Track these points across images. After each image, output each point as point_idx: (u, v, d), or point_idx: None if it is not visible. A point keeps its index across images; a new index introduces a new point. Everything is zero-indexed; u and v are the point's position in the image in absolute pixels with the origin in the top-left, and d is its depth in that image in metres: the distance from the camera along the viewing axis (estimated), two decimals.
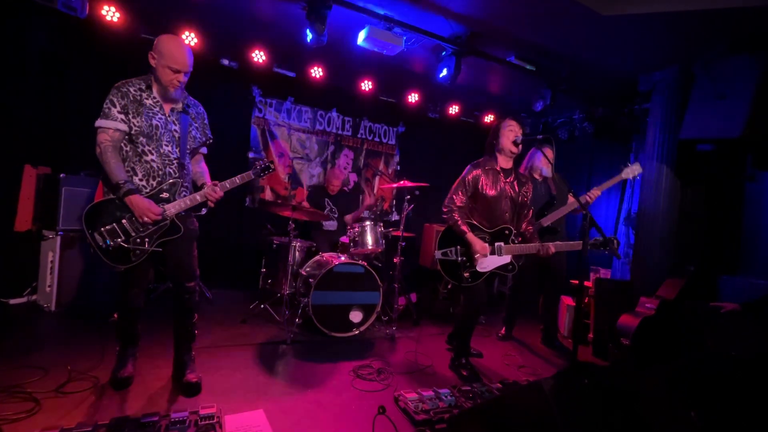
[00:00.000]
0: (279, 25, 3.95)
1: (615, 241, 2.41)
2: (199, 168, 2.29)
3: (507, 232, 2.64)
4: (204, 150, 2.34)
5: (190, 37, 3.99)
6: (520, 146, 2.63)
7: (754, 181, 3.84)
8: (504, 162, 2.71)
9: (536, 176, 3.52)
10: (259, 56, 4.38)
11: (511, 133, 2.60)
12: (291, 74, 4.78)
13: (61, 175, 3.34)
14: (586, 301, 3.81)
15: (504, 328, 3.73)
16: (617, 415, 1.51)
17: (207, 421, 1.83)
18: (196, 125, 2.22)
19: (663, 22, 3.18)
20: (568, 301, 3.99)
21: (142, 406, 1.99)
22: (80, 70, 3.74)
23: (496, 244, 2.59)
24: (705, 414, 1.57)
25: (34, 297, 3.41)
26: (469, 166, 2.70)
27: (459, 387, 2.41)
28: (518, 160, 3.60)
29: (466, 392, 2.36)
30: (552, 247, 2.58)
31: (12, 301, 3.34)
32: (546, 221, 3.30)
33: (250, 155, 4.78)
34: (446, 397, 2.25)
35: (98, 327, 2.96)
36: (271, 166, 2.31)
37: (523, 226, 2.74)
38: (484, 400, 2.29)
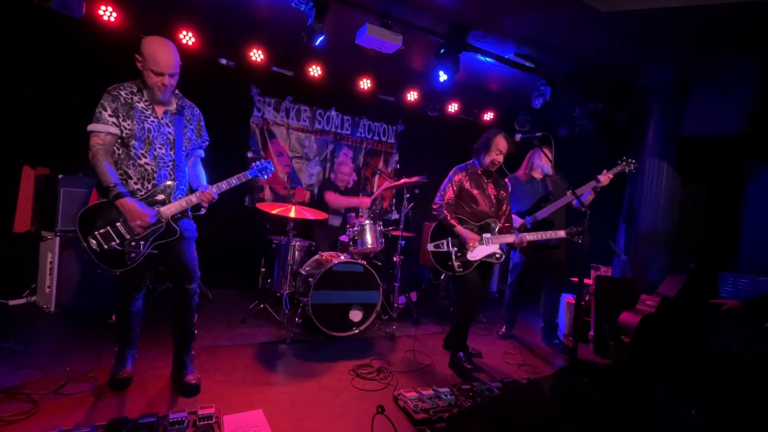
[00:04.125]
0: (277, 24, 3.94)
1: (586, 232, 2.61)
2: (196, 171, 2.28)
3: (493, 224, 2.87)
4: (201, 153, 2.32)
5: (188, 37, 3.98)
6: (499, 164, 2.89)
7: (755, 178, 3.82)
8: (484, 168, 2.92)
9: (536, 175, 3.54)
10: (257, 55, 4.37)
11: (498, 155, 2.83)
12: (289, 73, 4.77)
13: (60, 176, 3.33)
14: (586, 298, 3.80)
15: (504, 327, 3.72)
16: (617, 414, 1.50)
17: (206, 422, 1.82)
18: (191, 127, 2.20)
19: (662, 18, 3.16)
20: (568, 298, 3.98)
21: (141, 407, 1.99)
22: (77, 70, 3.73)
23: (484, 235, 2.81)
24: (706, 412, 1.56)
25: (33, 298, 3.41)
26: (455, 169, 2.95)
27: (459, 386, 2.41)
28: (518, 160, 3.60)
29: (466, 391, 2.35)
30: (527, 236, 2.86)
31: (11, 302, 3.34)
32: (541, 215, 3.32)
33: (249, 155, 4.77)
34: (446, 396, 2.24)
35: (97, 328, 2.96)
36: (269, 166, 2.30)
37: (501, 221, 2.97)
38: (483, 398, 2.28)
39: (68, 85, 3.70)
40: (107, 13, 3.63)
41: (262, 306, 3.58)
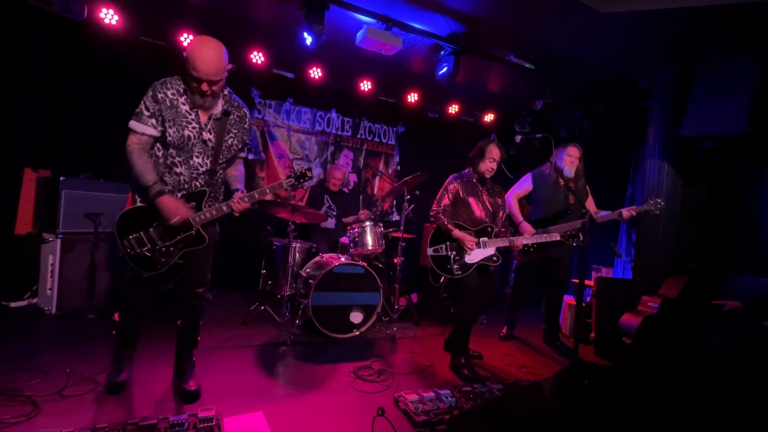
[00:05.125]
0: (277, 27, 3.95)
1: (580, 235, 2.81)
2: (236, 172, 2.20)
3: (489, 229, 2.93)
4: (243, 153, 2.21)
5: (189, 39, 3.99)
6: (494, 171, 2.96)
7: (756, 178, 3.81)
8: (479, 176, 2.98)
9: (560, 178, 3.30)
10: (257, 57, 4.38)
11: (491, 163, 2.90)
12: (290, 75, 4.77)
13: (61, 178, 3.35)
14: (587, 300, 3.79)
15: (505, 328, 3.72)
16: (618, 415, 1.49)
17: (206, 424, 1.82)
18: (234, 131, 2.07)
19: (662, 19, 3.16)
20: (569, 300, 3.97)
21: (142, 409, 1.99)
22: (79, 73, 3.74)
23: (481, 239, 2.87)
24: (707, 413, 1.56)
25: (34, 300, 3.41)
26: (450, 177, 3.03)
27: (459, 388, 2.40)
28: (544, 158, 3.49)
29: (467, 393, 2.34)
30: (520, 239, 2.92)
31: (13, 305, 3.34)
32: (555, 230, 3.25)
33: (250, 156, 4.78)
34: (447, 398, 2.24)
35: (98, 330, 2.96)
36: (308, 173, 2.14)
37: (498, 226, 3.02)
38: (484, 400, 2.28)
39: (70, 87, 3.71)
40: (108, 16, 3.64)
41: (262, 308, 3.59)
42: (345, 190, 5.03)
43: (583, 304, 3.66)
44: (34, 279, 3.41)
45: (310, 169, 2.17)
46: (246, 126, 2.13)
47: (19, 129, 3.47)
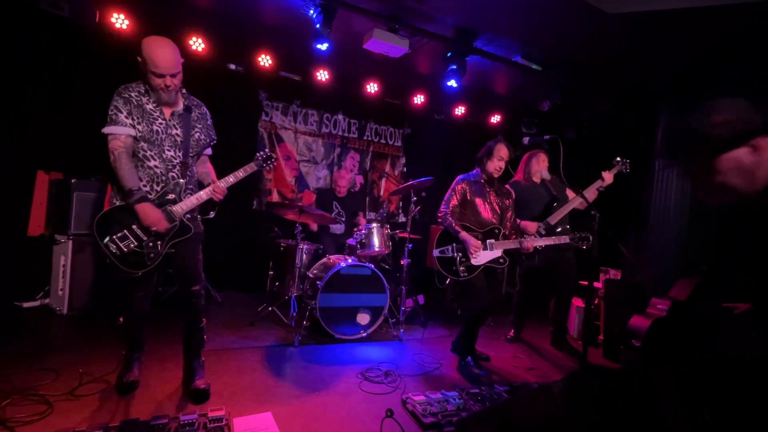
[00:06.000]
0: (285, 30, 3.99)
1: (590, 237, 2.79)
2: (204, 168, 2.30)
3: (497, 231, 2.91)
4: (208, 151, 2.33)
5: (198, 43, 4.04)
6: (502, 171, 2.97)
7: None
8: (488, 176, 2.99)
9: (535, 179, 3.46)
10: (265, 60, 4.42)
11: (500, 162, 2.90)
12: (297, 78, 4.81)
13: (73, 181, 3.40)
14: (596, 302, 3.76)
15: (513, 330, 3.70)
16: (628, 418, 1.48)
17: (216, 424, 1.84)
18: (200, 127, 2.19)
19: (670, 19, 3.14)
20: (577, 302, 3.94)
21: (152, 409, 2.01)
22: (90, 76, 3.79)
23: (488, 240, 2.86)
24: (719, 415, 1.54)
25: (46, 300, 3.46)
26: (458, 178, 3.03)
27: (467, 389, 2.40)
28: (514, 164, 3.55)
29: (475, 395, 2.34)
30: (530, 241, 2.88)
31: (25, 305, 3.39)
32: (553, 219, 3.27)
33: None
34: (454, 399, 2.24)
35: (110, 330, 2.99)
36: (273, 156, 2.34)
37: (507, 227, 3.02)
38: (492, 402, 2.27)
39: (81, 91, 3.77)
40: (119, 21, 3.70)
41: (270, 309, 3.60)
42: (352, 191, 5.04)
43: (592, 307, 3.64)
44: (47, 280, 3.46)
45: (274, 151, 2.31)
46: (209, 123, 2.26)
47: (31, 132, 3.53)
